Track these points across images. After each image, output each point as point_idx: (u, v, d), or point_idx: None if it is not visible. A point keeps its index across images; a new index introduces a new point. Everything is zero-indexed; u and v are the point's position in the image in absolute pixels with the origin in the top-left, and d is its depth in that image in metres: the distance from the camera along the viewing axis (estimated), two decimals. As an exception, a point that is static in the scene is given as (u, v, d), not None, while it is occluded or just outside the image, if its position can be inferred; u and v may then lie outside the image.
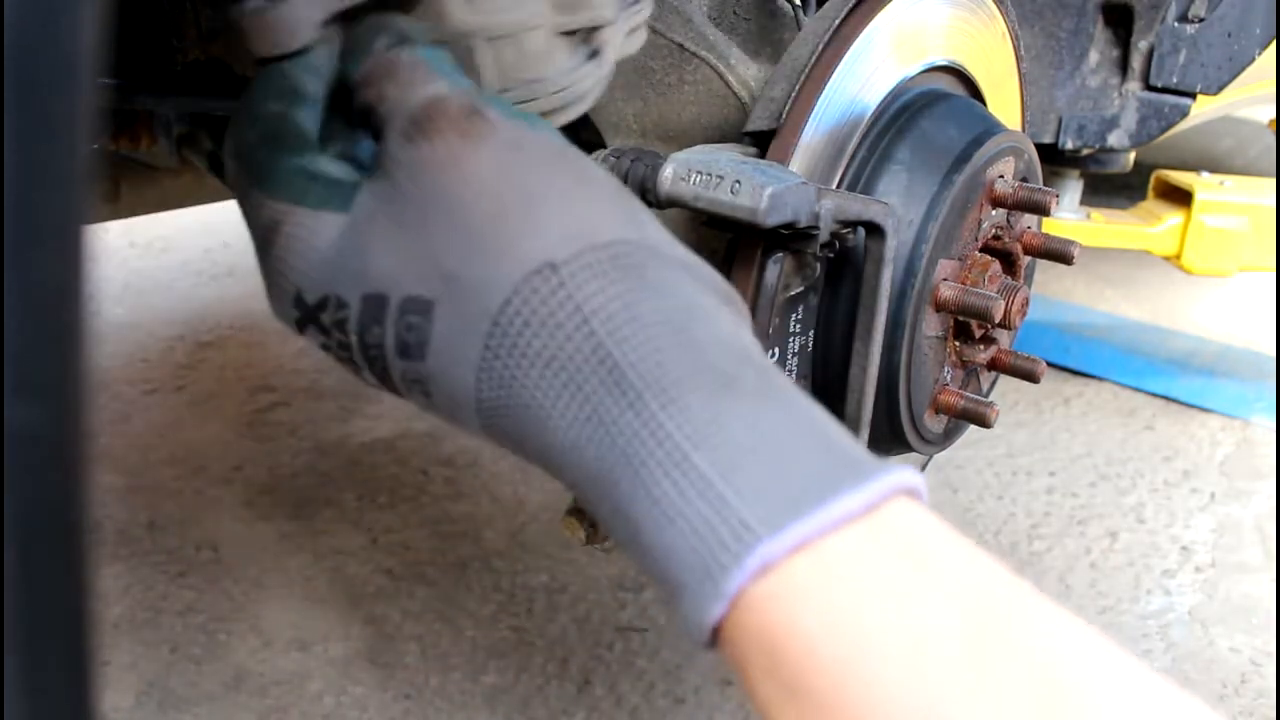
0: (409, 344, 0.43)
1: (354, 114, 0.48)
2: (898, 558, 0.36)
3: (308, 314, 0.46)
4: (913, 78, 0.83)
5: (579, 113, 0.63)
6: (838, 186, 0.78)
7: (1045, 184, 0.89)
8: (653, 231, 0.44)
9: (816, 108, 0.75)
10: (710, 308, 0.42)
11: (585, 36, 0.60)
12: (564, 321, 0.39)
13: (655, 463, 0.36)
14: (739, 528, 0.35)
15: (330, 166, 0.47)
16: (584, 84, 0.62)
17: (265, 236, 0.48)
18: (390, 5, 0.52)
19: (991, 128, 0.83)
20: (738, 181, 0.67)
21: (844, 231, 0.75)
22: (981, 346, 0.86)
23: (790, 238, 0.71)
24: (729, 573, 0.35)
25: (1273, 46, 1.20)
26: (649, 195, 0.76)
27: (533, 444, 0.41)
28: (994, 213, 0.84)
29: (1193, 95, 1.14)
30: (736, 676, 0.37)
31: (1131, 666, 0.35)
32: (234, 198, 1.11)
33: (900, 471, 0.38)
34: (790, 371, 0.76)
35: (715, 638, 0.37)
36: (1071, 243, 0.85)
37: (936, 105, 0.82)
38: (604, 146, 0.79)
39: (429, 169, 0.43)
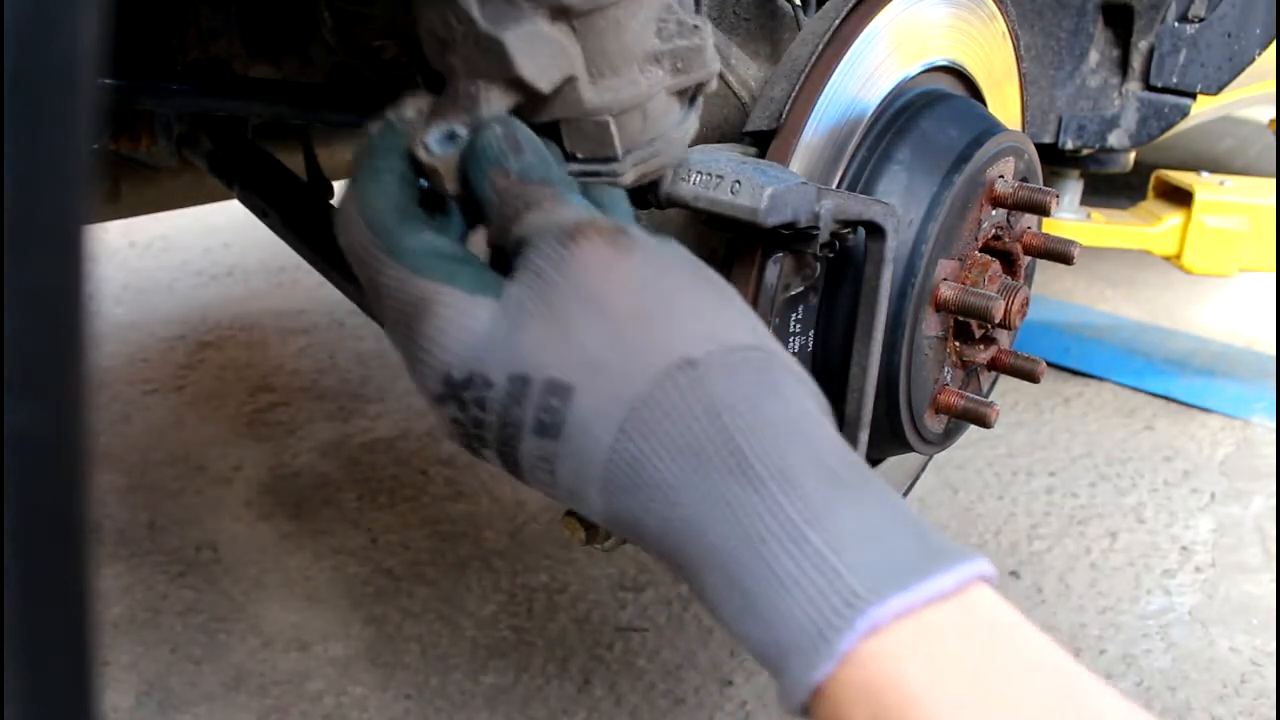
0: (545, 424, 0.47)
1: (480, 221, 0.54)
2: (986, 631, 0.41)
3: (452, 390, 0.50)
4: (913, 78, 0.83)
5: (682, 157, 0.65)
6: (838, 186, 0.78)
7: (1045, 184, 0.89)
8: (772, 341, 0.50)
9: (816, 108, 0.75)
10: (815, 413, 0.47)
11: (694, 90, 0.63)
12: (699, 414, 0.44)
13: (775, 539, 0.41)
14: (850, 596, 0.40)
15: (471, 254, 0.52)
16: (691, 132, 0.65)
17: (412, 312, 0.51)
18: (531, 105, 0.55)
19: (991, 128, 0.83)
20: (738, 181, 0.67)
21: (844, 231, 0.75)
22: (981, 346, 0.86)
23: (790, 238, 0.71)
24: (841, 634, 0.40)
25: (1273, 46, 1.20)
26: (649, 195, 0.76)
27: (653, 521, 0.45)
28: (994, 213, 0.84)
29: (1193, 95, 1.14)
30: None
31: None
32: (234, 197, 1.11)
33: (980, 560, 0.43)
34: (790, 372, 0.76)
35: (810, 699, 0.41)
36: (1071, 243, 0.85)
37: (936, 105, 0.82)
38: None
39: (581, 270, 0.48)
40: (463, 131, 0.55)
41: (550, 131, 0.59)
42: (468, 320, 0.49)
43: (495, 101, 0.55)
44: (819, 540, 0.41)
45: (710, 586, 0.44)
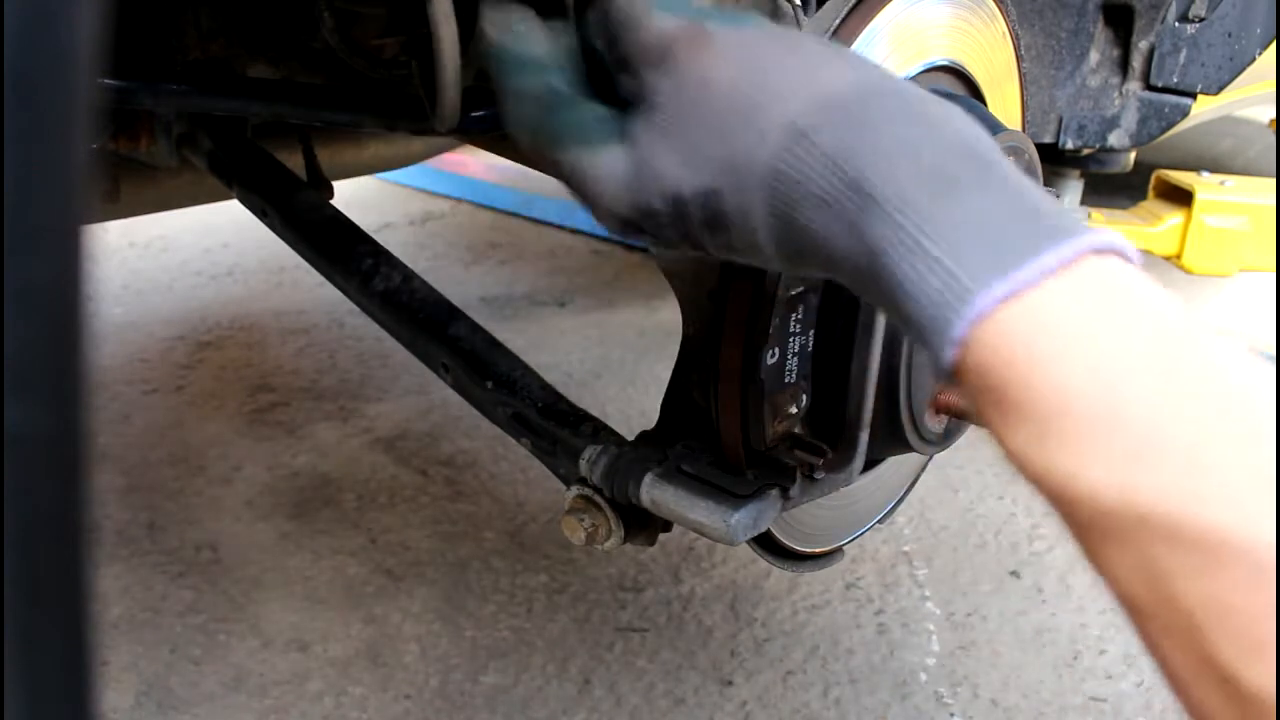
0: (711, 225, 0.55)
1: (593, 56, 0.60)
2: (1097, 295, 0.44)
3: (629, 225, 0.58)
4: (913, 78, 0.83)
5: None
6: (838, 186, 0.78)
7: (1045, 184, 0.89)
8: (867, 67, 0.55)
9: (817, 108, 0.75)
10: (935, 115, 0.51)
11: None
12: (821, 171, 0.50)
13: (895, 252, 0.48)
14: (962, 291, 0.45)
15: (593, 112, 0.58)
16: None
17: (573, 182, 0.59)
18: None
19: (992, 128, 0.83)
20: (738, 181, 0.66)
21: (844, 231, 0.75)
22: (982, 346, 0.86)
23: (790, 238, 0.71)
24: (953, 325, 0.45)
25: (1273, 46, 1.19)
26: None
27: (818, 260, 0.53)
28: (994, 213, 0.83)
29: (1193, 95, 1.14)
30: (979, 375, 0.46)
31: None
32: (233, 197, 1.11)
33: (1095, 233, 0.46)
34: (790, 371, 0.76)
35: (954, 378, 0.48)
36: (1072, 243, 0.85)
37: (937, 105, 0.82)
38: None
39: (680, 86, 0.55)
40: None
41: None
42: (611, 170, 0.56)
43: None
44: (933, 246, 0.46)
45: (869, 297, 0.52)
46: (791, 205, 0.52)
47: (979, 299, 0.45)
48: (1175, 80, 1.13)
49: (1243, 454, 0.40)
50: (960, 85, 0.89)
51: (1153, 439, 0.41)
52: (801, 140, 0.51)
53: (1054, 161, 1.48)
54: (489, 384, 0.88)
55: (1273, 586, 0.38)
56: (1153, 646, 0.42)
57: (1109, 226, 1.72)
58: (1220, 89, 1.15)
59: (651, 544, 0.83)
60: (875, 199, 0.49)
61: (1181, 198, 1.78)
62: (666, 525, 0.82)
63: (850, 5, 0.76)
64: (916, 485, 1.04)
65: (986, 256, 0.45)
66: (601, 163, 0.57)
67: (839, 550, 0.95)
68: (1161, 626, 0.41)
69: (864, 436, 0.78)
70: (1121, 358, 0.43)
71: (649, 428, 0.83)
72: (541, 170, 0.62)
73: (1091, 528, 0.42)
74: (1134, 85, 1.14)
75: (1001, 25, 0.91)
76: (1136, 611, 0.42)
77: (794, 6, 0.85)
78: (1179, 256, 1.77)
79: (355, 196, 2.87)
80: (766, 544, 0.87)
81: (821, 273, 0.55)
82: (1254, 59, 1.16)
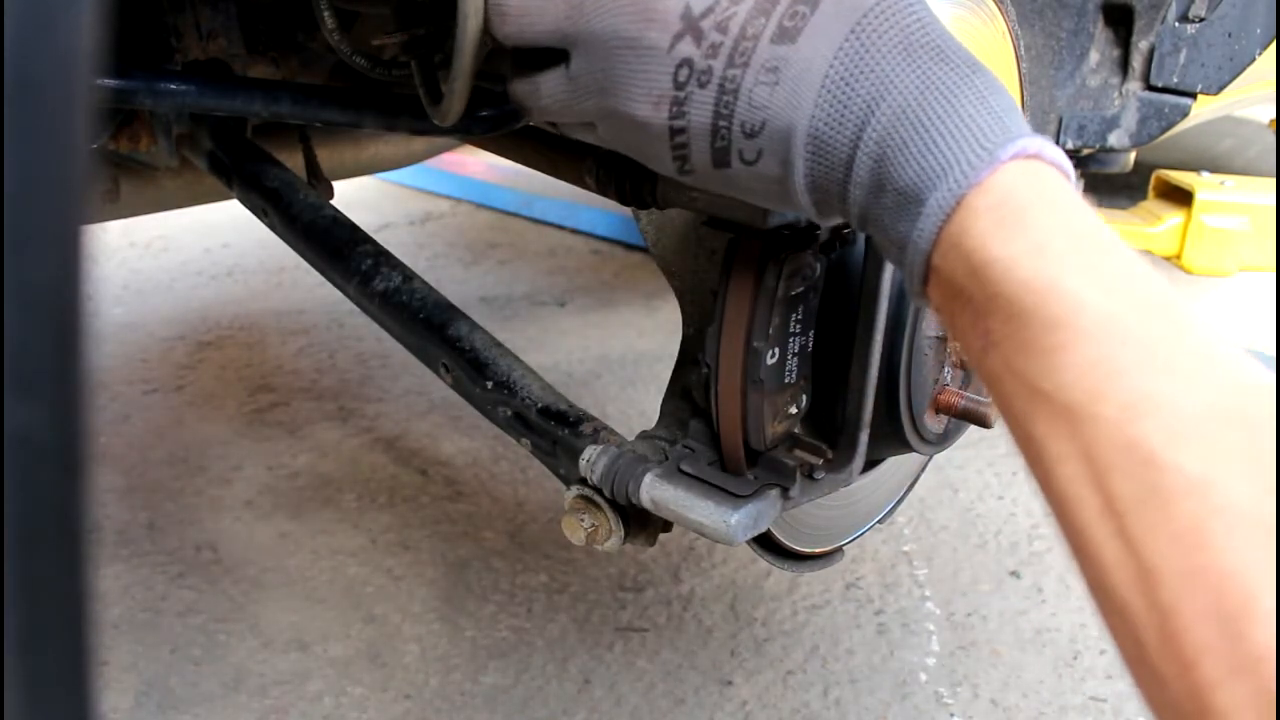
0: (787, 29, 0.58)
1: None
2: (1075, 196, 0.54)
3: (691, 23, 0.59)
4: (913, 78, 0.82)
5: None
6: (838, 186, 0.78)
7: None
8: None
9: (817, 108, 0.75)
10: None
11: None
12: (910, 23, 0.58)
13: (965, 98, 0.55)
14: (1007, 136, 0.54)
15: None
16: None
17: None
18: None
19: (992, 128, 0.83)
20: (738, 181, 0.66)
21: (845, 231, 0.75)
22: (982, 346, 0.85)
23: (791, 238, 0.71)
24: (1000, 147, 0.53)
25: (1273, 46, 1.19)
26: (648, 196, 0.76)
27: (859, 110, 0.57)
28: (994, 213, 0.83)
29: (1193, 95, 1.14)
30: (955, 246, 0.52)
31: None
32: (233, 197, 1.10)
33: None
34: (790, 371, 0.76)
35: (948, 216, 0.53)
36: (1072, 243, 0.85)
37: (937, 105, 0.82)
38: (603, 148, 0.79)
39: None
40: None
41: None
42: None
43: None
44: (995, 103, 0.55)
45: (895, 140, 0.56)
46: (872, 36, 0.57)
47: (1022, 141, 0.54)
48: (1175, 80, 1.13)
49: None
50: (960, 85, 0.89)
51: (1131, 274, 0.50)
52: None
53: (1054, 161, 1.47)
54: (489, 384, 0.88)
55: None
56: (1077, 455, 0.47)
57: (1113, 226, 1.72)
58: (1220, 89, 1.15)
59: (651, 544, 0.83)
60: (952, 59, 0.57)
61: (1181, 198, 1.78)
62: (666, 525, 0.82)
63: (850, 5, 0.76)
64: (916, 485, 1.04)
65: (1022, 128, 0.55)
66: None
67: (839, 550, 0.95)
68: (1092, 423, 0.46)
69: (864, 436, 0.78)
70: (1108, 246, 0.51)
71: (649, 428, 0.83)
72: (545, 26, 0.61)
73: (1058, 328, 0.48)
74: (1134, 85, 1.14)
75: (1001, 25, 0.91)
76: (1072, 418, 0.47)
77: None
78: (1179, 256, 1.77)
79: (355, 196, 2.87)
80: (766, 544, 0.87)
81: (843, 131, 0.57)
82: (1254, 59, 1.16)
